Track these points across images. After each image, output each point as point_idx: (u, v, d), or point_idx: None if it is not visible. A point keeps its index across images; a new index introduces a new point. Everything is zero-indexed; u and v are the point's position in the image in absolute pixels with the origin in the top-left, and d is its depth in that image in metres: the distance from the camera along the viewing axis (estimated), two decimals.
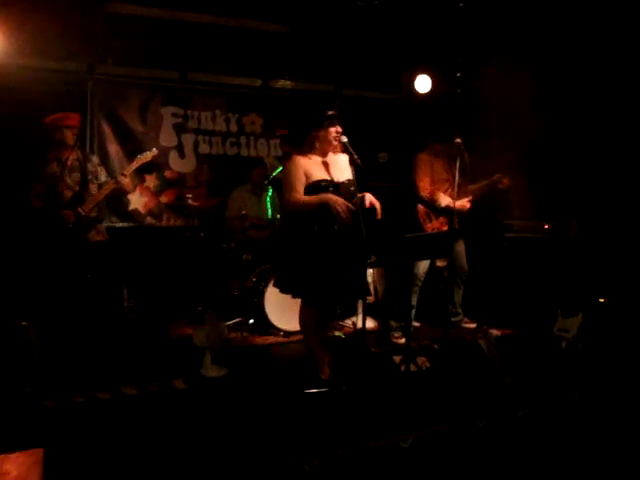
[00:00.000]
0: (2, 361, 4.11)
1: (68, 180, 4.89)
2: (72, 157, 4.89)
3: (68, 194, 4.87)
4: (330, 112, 4.18)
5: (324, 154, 4.15)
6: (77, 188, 4.91)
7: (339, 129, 4.09)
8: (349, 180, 4.07)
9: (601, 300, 5.77)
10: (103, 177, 5.08)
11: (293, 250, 4.09)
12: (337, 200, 3.93)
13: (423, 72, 6.63)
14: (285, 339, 5.45)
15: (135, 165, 4.96)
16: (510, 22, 6.04)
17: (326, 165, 4.13)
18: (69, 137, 4.87)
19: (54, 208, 4.81)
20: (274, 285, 4.23)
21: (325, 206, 3.95)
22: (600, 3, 5.65)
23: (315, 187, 4.04)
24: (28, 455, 2.51)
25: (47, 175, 4.83)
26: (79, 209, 4.86)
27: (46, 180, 4.82)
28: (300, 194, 4.03)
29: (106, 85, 6.17)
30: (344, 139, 4.07)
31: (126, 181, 4.96)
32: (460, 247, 5.62)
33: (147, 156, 5.00)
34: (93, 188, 4.98)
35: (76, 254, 4.89)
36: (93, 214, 4.96)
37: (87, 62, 5.96)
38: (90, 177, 4.98)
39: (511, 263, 6.05)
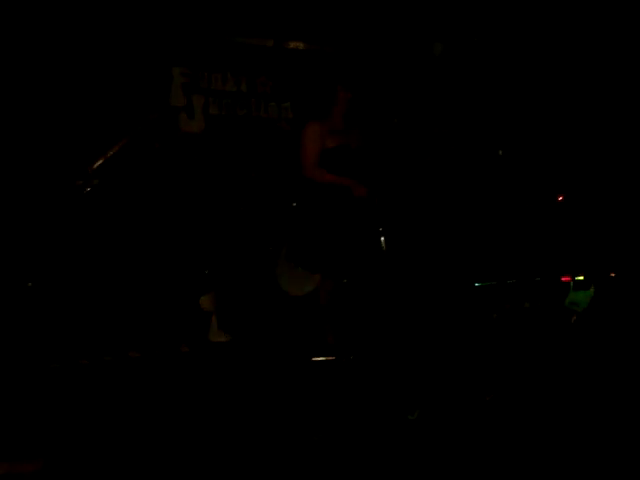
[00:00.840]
0: (7, 324, 4.11)
1: None
2: None
3: None
4: (342, 77, 4.10)
5: (339, 119, 4.07)
6: None
7: (353, 94, 4.01)
8: (365, 146, 4.00)
9: (612, 275, 5.70)
10: None
11: (313, 224, 4.04)
12: (358, 187, 3.88)
13: (439, 35, 6.50)
14: (295, 304, 5.40)
15: None
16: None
17: (341, 132, 4.05)
18: None
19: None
20: (287, 259, 4.18)
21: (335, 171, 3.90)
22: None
23: (333, 154, 3.97)
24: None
25: None
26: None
27: None
28: (317, 166, 3.97)
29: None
30: (356, 104, 3.99)
31: None
32: None
33: None
34: None
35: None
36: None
37: None
38: None
39: (522, 234, 5.99)
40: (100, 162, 5.02)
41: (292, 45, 6.75)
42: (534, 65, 6.32)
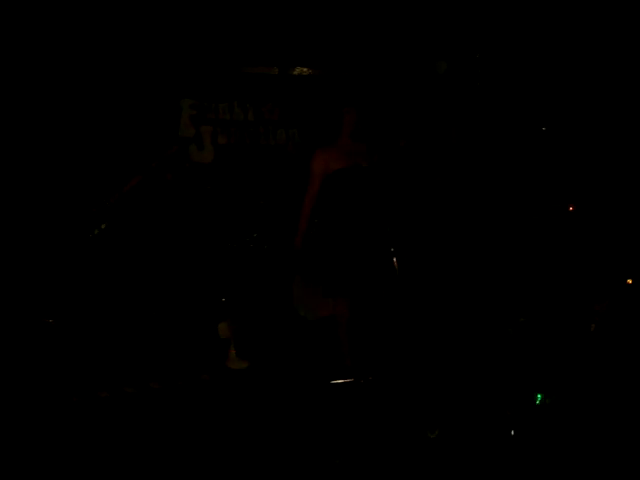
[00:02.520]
0: (29, 358, 4.17)
1: None
2: None
3: None
4: (347, 99, 4.16)
5: (345, 142, 4.12)
6: None
7: (358, 115, 4.07)
8: (372, 169, 4.03)
9: (629, 281, 5.66)
10: None
11: (322, 245, 4.09)
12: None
13: (442, 54, 6.55)
14: (311, 328, 5.42)
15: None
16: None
17: (347, 154, 4.09)
18: None
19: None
20: (304, 282, 4.21)
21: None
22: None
23: (342, 176, 4.03)
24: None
25: None
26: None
27: None
28: (314, 196, 4.05)
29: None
30: (365, 125, 4.04)
31: None
32: None
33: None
34: None
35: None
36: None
37: None
38: None
39: (536, 245, 5.97)
40: (116, 197, 5.10)
41: (297, 71, 6.83)
42: (538, 78, 6.35)
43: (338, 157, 4.10)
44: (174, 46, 6.19)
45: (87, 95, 5.76)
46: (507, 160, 5.70)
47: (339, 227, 4.06)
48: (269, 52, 6.58)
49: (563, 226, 5.98)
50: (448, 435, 3.35)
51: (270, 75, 6.75)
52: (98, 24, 5.66)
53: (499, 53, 6.50)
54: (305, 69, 6.84)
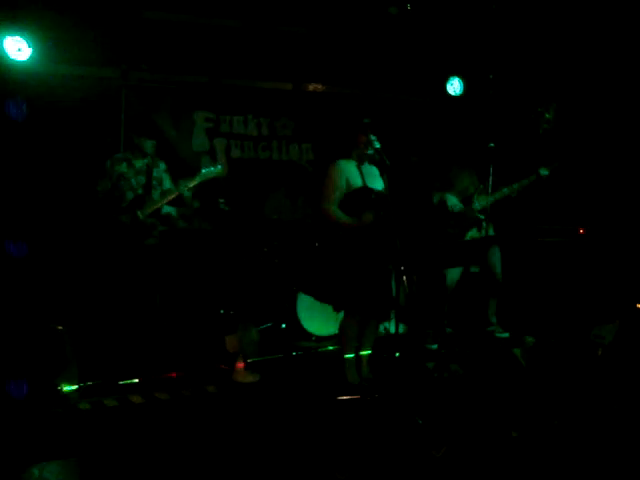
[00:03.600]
0: (38, 365, 4.19)
1: (133, 182, 5.00)
2: (142, 161, 5.04)
3: (130, 195, 4.98)
4: (365, 120, 4.19)
5: (361, 160, 4.16)
6: (140, 191, 5.01)
7: (371, 138, 4.09)
8: (384, 188, 4.05)
9: (638, 306, 5.64)
10: (168, 184, 5.15)
11: (332, 261, 4.11)
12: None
13: (455, 75, 6.61)
14: (317, 344, 5.45)
15: (199, 180, 5.01)
16: (540, 24, 6.00)
17: (363, 174, 4.12)
18: (148, 146, 5.01)
19: (113, 207, 4.93)
20: (310, 294, 4.23)
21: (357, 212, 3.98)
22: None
23: (356, 195, 4.05)
24: (66, 463, 2.54)
25: (115, 173, 4.95)
26: (138, 212, 4.95)
27: (113, 178, 4.94)
28: (335, 204, 4.06)
29: (140, 91, 6.22)
30: (377, 145, 4.05)
31: (188, 194, 5.06)
32: (494, 256, 5.53)
33: (211, 173, 5.05)
34: (155, 194, 5.07)
35: (129, 257, 4.98)
36: (150, 220, 5.03)
37: (121, 69, 6.01)
38: (155, 183, 5.07)
39: (545, 268, 5.97)
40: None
41: (311, 87, 6.90)
42: (550, 96, 6.38)
43: (351, 173, 4.13)
44: (193, 59, 6.27)
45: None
46: (518, 181, 5.71)
47: (349, 245, 4.08)
48: (284, 67, 6.65)
49: (574, 249, 5.98)
50: (454, 454, 3.34)
51: (284, 90, 6.82)
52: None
53: (511, 74, 6.54)
54: (319, 85, 6.91)
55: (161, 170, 5.16)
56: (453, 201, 5.23)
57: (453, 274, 5.26)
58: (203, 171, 5.04)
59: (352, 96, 7.03)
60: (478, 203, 5.29)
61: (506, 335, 5.65)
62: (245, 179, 6.65)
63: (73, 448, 3.11)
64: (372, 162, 4.18)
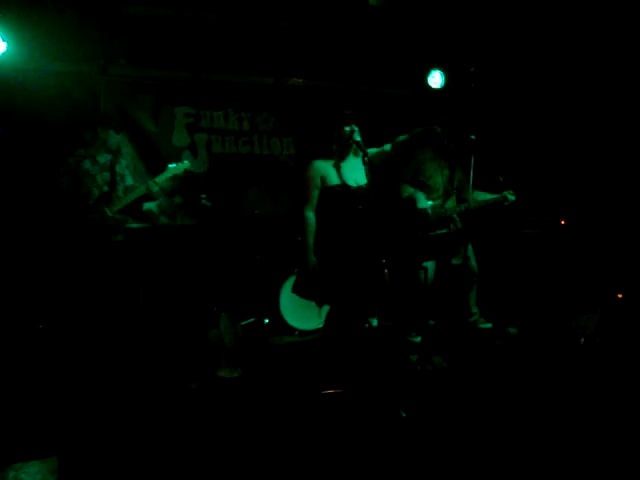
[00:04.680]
0: (20, 364, 4.15)
1: (98, 178, 4.99)
2: (105, 157, 5.04)
3: (96, 192, 4.97)
4: (346, 111, 4.17)
5: (341, 155, 4.13)
6: (105, 188, 5.01)
7: (354, 128, 4.07)
8: (366, 184, 4.02)
9: (619, 296, 5.70)
10: (130, 180, 5.21)
11: (318, 256, 4.10)
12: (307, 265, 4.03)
13: (436, 67, 6.61)
14: (300, 338, 5.45)
15: (167, 175, 5.09)
16: (522, 16, 6.00)
17: (342, 168, 4.10)
18: (113, 141, 5.06)
19: (79, 204, 4.91)
20: (293, 291, 4.21)
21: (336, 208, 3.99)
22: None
23: (330, 193, 4.04)
24: (44, 463, 2.51)
25: (80, 170, 4.93)
26: (106, 209, 4.93)
27: (77, 175, 4.93)
28: (312, 208, 4.06)
29: (119, 86, 6.15)
30: (357, 138, 4.04)
31: (156, 189, 5.06)
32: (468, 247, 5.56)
33: (179, 169, 5.14)
34: (119, 190, 5.08)
35: (98, 254, 4.95)
36: (119, 216, 5.02)
37: (99, 63, 5.94)
38: (118, 179, 5.08)
39: (528, 259, 6.00)
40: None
41: (292, 82, 6.86)
42: (533, 89, 6.40)
43: (331, 170, 4.11)
44: (172, 54, 6.21)
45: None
46: (501, 171, 5.72)
47: (332, 239, 4.07)
48: (264, 62, 6.61)
49: (555, 240, 6.02)
50: (438, 446, 3.35)
51: (265, 84, 6.78)
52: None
53: (494, 66, 6.55)
54: (300, 79, 6.88)
55: (123, 166, 5.20)
56: (423, 203, 5.19)
57: (429, 267, 5.25)
58: (170, 166, 5.11)
59: (333, 89, 7.01)
60: (453, 205, 5.32)
61: (489, 325, 5.67)
62: (226, 174, 6.62)
63: (53, 447, 3.08)
64: (355, 153, 4.16)
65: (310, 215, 4.12)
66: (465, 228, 5.25)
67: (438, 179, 5.34)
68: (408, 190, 5.24)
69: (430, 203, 5.14)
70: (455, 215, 5.28)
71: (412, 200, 5.16)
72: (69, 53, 5.64)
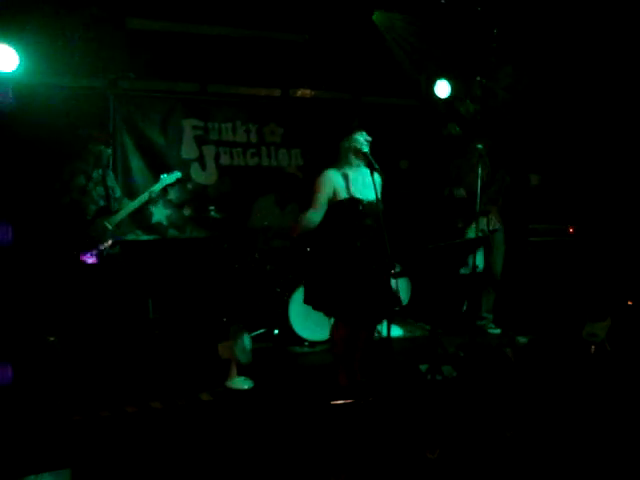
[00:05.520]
0: (31, 377, 4.18)
1: (94, 194, 5.04)
2: (97, 172, 5.07)
3: (93, 207, 5.02)
4: (354, 122, 4.19)
5: (352, 166, 4.13)
6: (101, 202, 5.06)
7: (367, 138, 4.09)
8: (375, 197, 4.01)
9: (629, 303, 5.67)
10: (118, 192, 5.27)
11: (321, 267, 4.10)
12: None
13: (442, 77, 6.62)
14: (310, 349, 5.45)
15: (160, 186, 5.16)
16: (526, 25, 6.01)
17: (352, 180, 4.10)
18: (104, 156, 5.11)
19: (79, 220, 4.95)
20: (305, 302, 4.21)
21: (345, 223, 4.00)
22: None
23: (340, 207, 4.05)
24: (57, 476, 2.53)
25: (75, 186, 4.98)
26: (105, 223, 4.98)
27: (73, 191, 4.97)
28: (320, 210, 4.07)
29: (128, 100, 6.22)
30: (365, 149, 4.05)
31: (154, 197, 5.22)
32: (496, 252, 5.56)
33: (171, 178, 5.22)
34: (112, 203, 5.13)
35: (99, 268, 4.99)
36: (118, 231, 5.10)
37: (109, 78, 6.00)
38: (110, 192, 5.13)
39: (537, 267, 5.99)
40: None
41: (299, 93, 6.91)
42: (542, 98, 6.40)
43: (341, 181, 4.11)
44: (180, 67, 6.27)
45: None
46: (508, 180, 5.74)
47: (339, 250, 4.08)
48: (272, 74, 6.65)
49: (565, 248, 6.01)
50: (449, 455, 3.35)
51: (272, 96, 6.83)
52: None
53: (500, 74, 6.56)
54: (308, 90, 6.92)
55: (112, 178, 5.29)
56: (461, 192, 5.27)
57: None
58: (162, 177, 5.21)
59: (340, 101, 7.05)
60: (486, 197, 5.35)
61: (498, 331, 5.67)
62: (235, 186, 6.66)
63: (67, 459, 3.10)
64: (362, 168, 4.16)
65: (312, 217, 4.11)
66: (476, 238, 5.26)
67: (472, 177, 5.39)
68: (448, 188, 5.35)
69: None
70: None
71: (451, 193, 5.25)
72: (78, 68, 5.69)
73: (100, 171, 5.11)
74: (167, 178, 5.21)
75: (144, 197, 5.10)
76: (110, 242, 5.02)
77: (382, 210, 3.93)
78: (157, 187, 5.15)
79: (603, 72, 5.93)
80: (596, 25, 5.74)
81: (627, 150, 5.90)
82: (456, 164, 5.47)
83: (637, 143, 5.82)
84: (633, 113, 5.82)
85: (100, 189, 5.08)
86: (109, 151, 5.25)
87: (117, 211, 5.08)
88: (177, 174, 5.30)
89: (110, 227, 5.00)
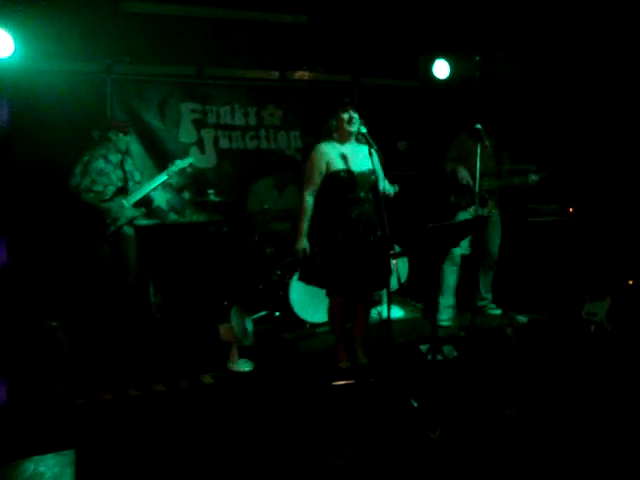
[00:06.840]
0: (34, 361, 4.20)
1: (113, 176, 5.29)
2: (117, 156, 5.35)
3: (111, 189, 5.24)
4: (345, 99, 4.22)
5: (342, 142, 4.17)
6: (120, 184, 5.30)
7: (353, 115, 4.10)
8: (369, 170, 4.05)
9: (630, 282, 5.68)
10: (138, 176, 5.49)
11: (314, 241, 4.14)
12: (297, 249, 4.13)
13: (441, 57, 6.57)
14: (311, 331, 5.47)
15: (176, 169, 5.42)
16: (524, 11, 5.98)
17: (346, 156, 4.13)
18: (122, 143, 5.35)
19: (96, 199, 5.19)
20: (299, 279, 4.26)
21: (339, 201, 4.01)
22: None
23: (333, 178, 4.07)
24: (61, 456, 2.55)
25: (94, 169, 5.20)
26: (124, 201, 5.23)
27: (92, 174, 5.19)
28: (312, 193, 4.11)
29: (125, 84, 6.18)
30: (363, 130, 4.05)
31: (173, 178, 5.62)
32: (493, 232, 5.56)
33: (184, 163, 5.50)
34: (130, 186, 5.37)
35: (110, 247, 5.26)
36: (136, 209, 5.34)
37: (105, 62, 5.96)
38: (129, 176, 5.39)
39: (536, 247, 5.99)
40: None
41: (298, 75, 6.87)
42: (537, 79, 6.36)
43: (335, 155, 4.14)
44: (177, 50, 6.23)
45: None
46: (508, 161, 5.72)
47: (336, 226, 4.10)
48: (269, 55, 6.62)
49: (565, 228, 6.01)
50: (450, 434, 3.38)
51: (270, 79, 6.79)
52: None
53: (498, 55, 6.51)
54: (306, 72, 6.88)
55: (130, 163, 5.50)
56: (464, 173, 5.27)
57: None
58: (177, 161, 5.45)
59: (339, 82, 7.02)
60: (487, 183, 5.34)
61: (498, 312, 5.68)
62: (234, 169, 6.64)
63: (70, 441, 3.12)
64: (359, 141, 4.19)
65: (310, 200, 4.16)
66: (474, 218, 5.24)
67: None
68: (452, 165, 5.33)
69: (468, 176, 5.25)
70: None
71: (454, 172, 5.27)
72: (74, 52, 5.66)
73: (120, 156, 5.37)
74: (181, 163, 5.44)
75: (162, 177, 5.36)
76: (128, 218, 5.27)
77: (377, 183, 3.99)
78: (174, 169, 5.39)
79: (603, 53, 5.89)
80: (594, 16, 5.71)
81: (627, 128, 5.87)
82: (460, 140, 5.44)
83: (637, 122, 5.80)
84: (633, 92, 5.79)
85: (119, 172, 5.33)
86: (127, 138, 5.44)
87: (135, 191, 5.31)
88: (190, 159, 5.58)
89: (127, 205, 5.24)
